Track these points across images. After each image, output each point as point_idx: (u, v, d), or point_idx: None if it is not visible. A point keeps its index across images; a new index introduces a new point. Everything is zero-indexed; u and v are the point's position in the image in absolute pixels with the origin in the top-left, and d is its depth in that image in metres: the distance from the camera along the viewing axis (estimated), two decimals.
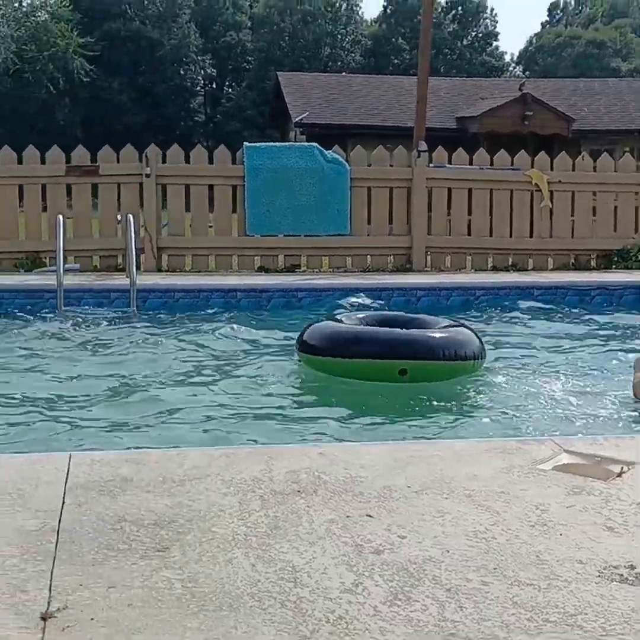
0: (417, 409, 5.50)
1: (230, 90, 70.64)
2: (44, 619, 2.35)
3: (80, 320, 8.63)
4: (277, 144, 12.25)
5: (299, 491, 3.21)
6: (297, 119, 25.21)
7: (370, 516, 3.00)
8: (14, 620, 2.34)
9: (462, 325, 6.58)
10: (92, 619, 2.35)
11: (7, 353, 7.19)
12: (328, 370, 6.09)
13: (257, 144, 11.77)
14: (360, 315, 6.74)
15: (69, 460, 3.52)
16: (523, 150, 12.64)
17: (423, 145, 12.15)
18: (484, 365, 6.32)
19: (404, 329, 6.14)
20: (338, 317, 6.71)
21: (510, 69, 64.90)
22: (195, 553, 2.73)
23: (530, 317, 9.10)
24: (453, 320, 6.83)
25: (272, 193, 11.39)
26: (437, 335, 6.10)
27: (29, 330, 8.15)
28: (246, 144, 11.63)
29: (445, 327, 6.33)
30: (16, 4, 61.58)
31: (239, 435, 4.87)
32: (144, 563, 2.66)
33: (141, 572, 2.60)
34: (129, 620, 2.34)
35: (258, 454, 3.64)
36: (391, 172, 11.91)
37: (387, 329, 6.20)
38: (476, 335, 6.29)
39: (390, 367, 5.82)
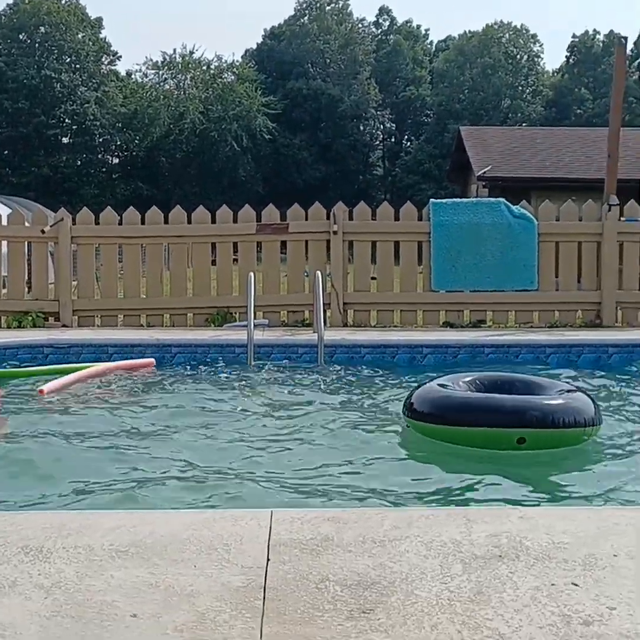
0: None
1: (408, 144, 71.43)
2: None
3: (270, 374, 8.83)
4: (463, 200, 12.25)
5: (500, 556, 3.17)
6: (479, 173, 25.19)
7: (576, 585, 2.93)
8: None
9: (579, 389, 6.42)
10: None
11: (200, 404, 7.41)
12: (440, 437, 5.94)
13: (443, 200, 11.83)
14: (467, 379, 6.51)
15: (271, 517, 3.59)
16: None
17: (614, 199, 11.91)
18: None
19: (522, 396, 6.03)
20: (442, 380, 6.45)
21: None
22: (400, 616, 2.72)
23: None
24: (567, 384, 6.65)
25: (458, 249, 11.42)
26: (557, 401, 5.95)
27: (222, 384, 8.39)
28: (432, 200, 11.72)
29: (562, 391, 6.19)
30: (204, 67, 64.48)
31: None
32: (350, 624, 2.68)
33: (348, 634, 2.62)
34: None
35: (457, 516, 3.61)
36: (580, 226, 11.75)
37: (507, 396, 6.07)
38: (592, 400, 6.13)
39: (509, 436, 5.71)
